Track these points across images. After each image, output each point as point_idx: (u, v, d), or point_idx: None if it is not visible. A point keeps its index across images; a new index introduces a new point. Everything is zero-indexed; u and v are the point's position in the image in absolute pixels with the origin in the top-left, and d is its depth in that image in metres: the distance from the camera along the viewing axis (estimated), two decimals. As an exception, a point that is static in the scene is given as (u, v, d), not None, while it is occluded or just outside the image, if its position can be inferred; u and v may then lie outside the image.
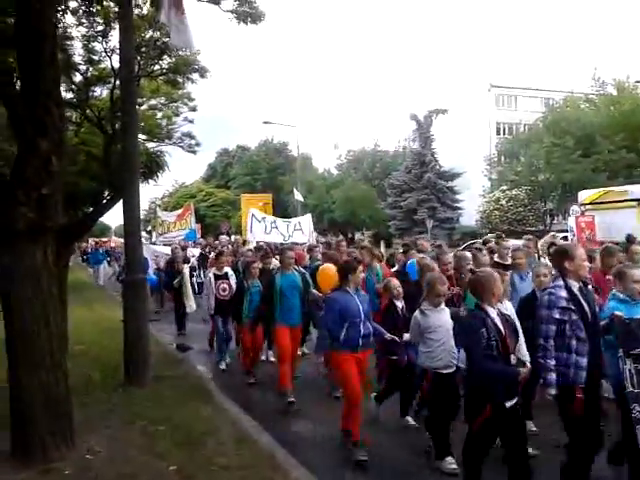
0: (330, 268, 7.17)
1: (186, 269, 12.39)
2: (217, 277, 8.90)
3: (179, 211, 22.72)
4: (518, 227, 40.47)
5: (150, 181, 11.55)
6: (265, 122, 38.59)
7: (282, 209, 47.41)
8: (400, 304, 6.05)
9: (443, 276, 5.60)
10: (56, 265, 9.91)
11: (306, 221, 15.63)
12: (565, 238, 18.45)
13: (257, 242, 14.36)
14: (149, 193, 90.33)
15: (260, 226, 14.67)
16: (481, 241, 12.54)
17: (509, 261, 7.46)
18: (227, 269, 9.07)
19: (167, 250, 15.56)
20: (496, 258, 8.13)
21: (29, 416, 4.88)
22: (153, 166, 10.73)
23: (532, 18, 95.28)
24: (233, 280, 8.82)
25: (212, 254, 12.59)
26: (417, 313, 5.16)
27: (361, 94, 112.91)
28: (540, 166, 40.36)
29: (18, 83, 5.49)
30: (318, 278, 7.65)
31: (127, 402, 6.60)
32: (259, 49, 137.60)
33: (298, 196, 33.71)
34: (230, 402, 6.76)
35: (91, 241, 41.67)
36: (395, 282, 6.26)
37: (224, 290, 8.76)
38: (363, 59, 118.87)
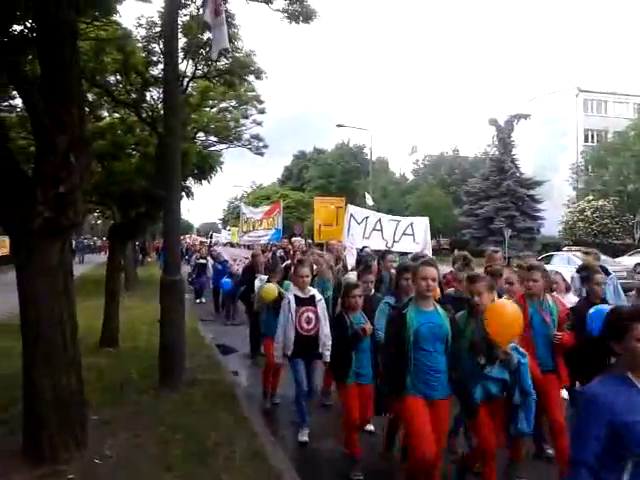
0: (507, 307, 4.47)
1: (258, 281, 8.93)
2: (299, 301, 6.08)
3: (266, 207, 19.91)
4: (604, 240, 38.31)
5: (204, 182, 11.58)
6: (339, 125, 38.66)
7: (355, 213, 47.02)
8: None
9: None
10: (111, 261, 10.18)
11: (421, 225, 11.56)
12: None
13: (357, 250, 10.92)
14: (228, 193, 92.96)
15: (359, 229, 11.28)
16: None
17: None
18: (313, 290, 6.30)
19: (247, 253, 13.84)
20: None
21: (40, 416, 4.83)
22: (205, 167, 10.73)
23: (624, 20, 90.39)
24: (322, 307, 6.12)
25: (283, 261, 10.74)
26: None
27: (440, 97, 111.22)
28: (630, 175, 38.12)
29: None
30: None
31: (154, 406, 6.51)
32: (338, 51, 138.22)
33: (369, 200, 33.38)
34: (255, 413, 6.52)
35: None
36: None
37: (308, 321, 6.00)
38: (443, 61, 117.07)
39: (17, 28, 5.54)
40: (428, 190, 50.63)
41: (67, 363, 4.95)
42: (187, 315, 13.77)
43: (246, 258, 13.16)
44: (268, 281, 7.55)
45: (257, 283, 8.79)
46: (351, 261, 9.95)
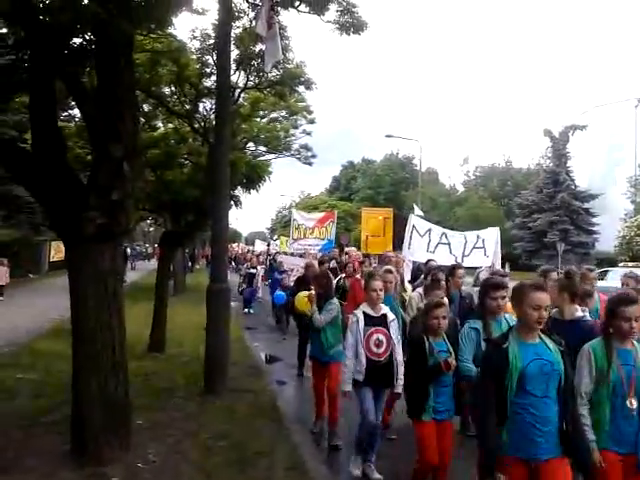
0: None
1: None
2: (369, 320, 5.23)
3: (320, 215, 18.81)
4: (662, 256, 36.78)
5: (252, 191, 11.72)
6: (387, 136, 38.41)
7: (402, 224, 46.76)
8: None
9: None
10: (161, 268, 10.40)
11: (492, 237, 10.51)
12: None
13: (414, 263, 10.11)
14: (276, 202, 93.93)
15: (423, 242, 10.18)
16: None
17: None
18: (385, 308, 5.40)
19: (301, 262, 12.95)
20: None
21: (86, 418, 4.94)
22: (254, 177, 10.86)
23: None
24: (395, 329, 5.30)
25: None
26: None
27: (493, 107, 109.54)
28: (692, 189, 36.59)
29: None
30: None
31: (199, 412, 6.59)
32: (388, 61, 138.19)
33: (418, 212, 33.05)
34: (298, 424, 6.49)
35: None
36: None
37: (378, 344, 5.13)
38: (497, 70, 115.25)
39: (77, 41, 5.75)
40: (478, 202, 49.83)
41: (114, 366, 5.06)
42: (233, 323, 14.03)
43: (302, 267, 11.88)
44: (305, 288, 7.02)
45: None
46: (407, 276, 9.16)
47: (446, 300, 5.13)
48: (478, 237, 10.40)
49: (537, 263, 9.77)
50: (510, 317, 4.48)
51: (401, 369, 5.10)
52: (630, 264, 26.23)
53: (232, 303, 19.12)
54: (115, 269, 5.17)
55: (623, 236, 39.54)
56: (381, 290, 5.36)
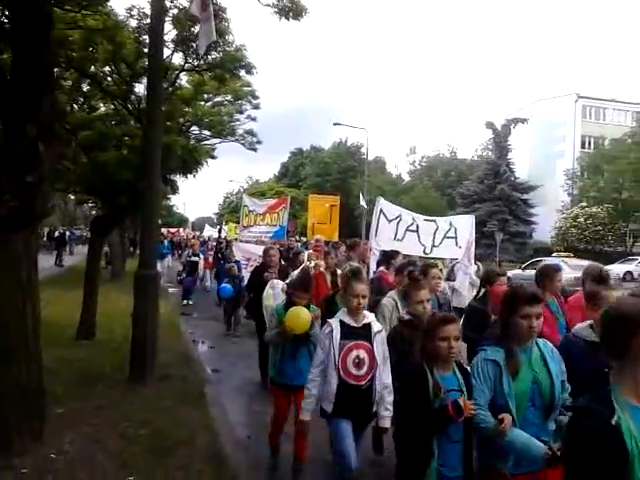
0: None
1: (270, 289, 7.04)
2: (347, 331, 4.10)
3: (272, 201, 17.49)
4: (596, 247, 38.42)
5: (190, 176, 11.50)
6: (336, 123, 38.58)
7: (349, 212, 47.14)
8: None
9: None
10: (91, 253, 10.11)
11: (465, 225, 9.33)
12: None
13: (385, 252, 8.27)
14: (224, 188, 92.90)
15: (390, 228, 8.99)
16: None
17: None
18: (369, 316, 4.26)
19: (259, 250, 11.36)
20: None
21: (-2, 409, 4.77)
22: (191, 161, 10.66)
23: (626, 28, 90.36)
24: (380, 343, 4.13)
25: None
26: None
27: (440, 98, 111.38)
28: (625, 184, 38.25)
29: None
30: None
31: (123, 399, 6.47)
32: (338, 50, 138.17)
33: (362, 201, 33.33)
34: (224, 411, 6.46)
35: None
36: None
37: (358, 364, 4.01)
38: (443, 62, 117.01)
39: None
40: (423, 191, 50.63)
41: (28, 355, 4.89)
42: (169, 309, 13.83)
43: (260, 256, 10.46)
44: (291, 301, 5.02)
45: (268, 291, 6.96)
46: (373, 266, 8.39)
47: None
48: (451, 225, 9.27)
49: (477, 252, 9.89)
50: (544, 344, 3.29)
51: (389, 397, 4.03)
52: (562, 254, 27.24)
53: (172, 289, 18.96)
54: (30, 255, 4.98)
55: (559, 227, 41.05)
56: (364, 297, 4.16)
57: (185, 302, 15.96)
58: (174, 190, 14.11)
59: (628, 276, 27.97)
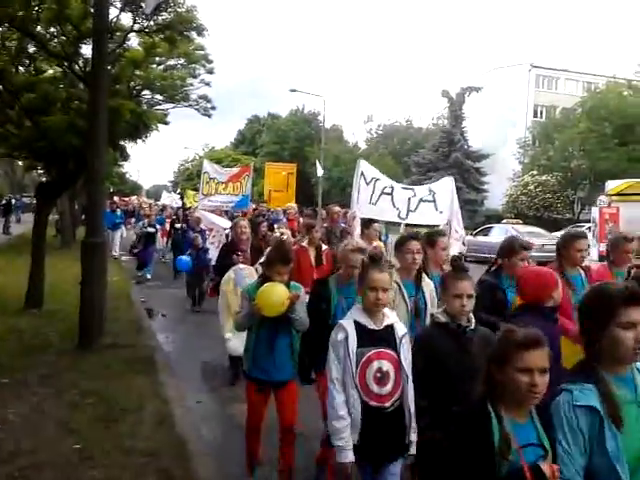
0: None
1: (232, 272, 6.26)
2: (366, 336, 3.13)
3: (234, 170, 16.33)
4: (545, 214, 39.44)
5: (138, 141, 11.18)
6: (292, 90, 37.94)
7: (305, 180, 47.01)
8: None
9: None
10: (37, 220, 9.82)
11: (444, 188, 8.46)
12: (588, 229, 17.87)
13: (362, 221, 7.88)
14: (179, 155, 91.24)
15: (367, 191, 8.07)
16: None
17: None
18: (391, 315, 3.29)
19: (224, 222, 10.86)
20: None
21: None
22: (140, 126, 10.37)
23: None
24: (407, 349, 3.18)
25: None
26: None
27: (396, 66, 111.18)
28: (574, 152, 39.16)
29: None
30: None
31: (70, 368, 6.40)
32: (296, 15, 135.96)
33: (319, 168, 33.20)
34: (173, 378, 6.44)
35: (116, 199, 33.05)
36: None
37: (381, 379, 3.07)
38: (400, 30, 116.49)
39: None
40: (377, 159, 50.77)
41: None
42: (121, 278, 13.64)
43: (224, 229, 10.12)
44: (266, 277, 4.06)
45: (230, 275, 6.19)
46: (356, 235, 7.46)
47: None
48: (430, 190, 8.37)
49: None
50: None
51: (414, 423, 3.10)
52: (512, 220, 27.90)
53: (125, 258, 18.58)
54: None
55: (510, 195, 41.88)
56: (385, 291, 3.15)
57: (140, 274, 14.92)
58: (124, 156, 13.71)
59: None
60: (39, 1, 9.98)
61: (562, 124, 40.52)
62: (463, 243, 8.58)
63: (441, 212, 8.13)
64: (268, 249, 5.91)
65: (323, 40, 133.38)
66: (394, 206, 8.03)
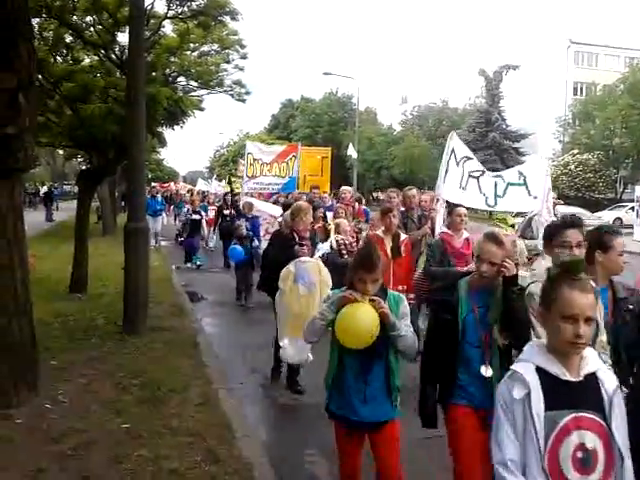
0: None
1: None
2: (557, 389, 2.00)
3: (279, 148, 14.88)
4: (586, 194, 38.46)
5: (175, 127, 11.31)
6: (325, 73, 37.73)
7: (340, 164, 46.80)
8: None
9: None
10: (80, 207, 10.05)
11: (536, 169, 7.57)
12: (632, 209, 17.38)
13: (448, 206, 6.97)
14: (214, 141, 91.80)
15: (458, 173, 7.22)
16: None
17: None
18: (591, 356, 2.10)
19: (273, 209, 10.14)
20: None
21: (-12, 360, 4.81)
22: (177, 112, 10.47)
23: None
24: (621, 412, 2.04)
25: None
26: None
27: (431, 46, 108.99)
28: (615, 130, 38.02)
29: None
30: None
31: (116, 351, 6.54)
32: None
33: (352, 151, 33.03)
34: (215, 360, 6.54)
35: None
36: None
37: (582, 461, 1.95)
38: (434, 9, 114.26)
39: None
40: (413, 141, 50.15)
41: (17, 308, 4.91)
42: (163, 262, 13.85)
43: (272, 217, 9.47)
44: (350, 285, 3.15)
45: (289, 269, 5.43)
46: (439, 224, 6.82)
47: None
48: (520, 173, 7.43)
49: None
50: None
51: None
52: (554, 201, 27.25)
53: (164, 242, 18.86)
54: (15, 206, 4.94)
55: (550, 174, 40.99)
56: (589, 321, 2.03)
57: (189, 265, 14.41)
58: (162, 143, 13.89)
59: (618, 222, 28.11)
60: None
61: (603, 101, 39.27)
62: None
63: (535, 197, 7.23)
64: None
65: (356, 22, 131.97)
66: (480, 191, 7.18)
